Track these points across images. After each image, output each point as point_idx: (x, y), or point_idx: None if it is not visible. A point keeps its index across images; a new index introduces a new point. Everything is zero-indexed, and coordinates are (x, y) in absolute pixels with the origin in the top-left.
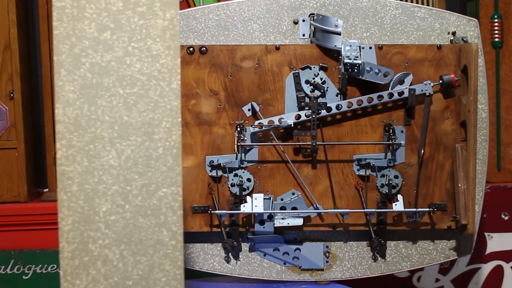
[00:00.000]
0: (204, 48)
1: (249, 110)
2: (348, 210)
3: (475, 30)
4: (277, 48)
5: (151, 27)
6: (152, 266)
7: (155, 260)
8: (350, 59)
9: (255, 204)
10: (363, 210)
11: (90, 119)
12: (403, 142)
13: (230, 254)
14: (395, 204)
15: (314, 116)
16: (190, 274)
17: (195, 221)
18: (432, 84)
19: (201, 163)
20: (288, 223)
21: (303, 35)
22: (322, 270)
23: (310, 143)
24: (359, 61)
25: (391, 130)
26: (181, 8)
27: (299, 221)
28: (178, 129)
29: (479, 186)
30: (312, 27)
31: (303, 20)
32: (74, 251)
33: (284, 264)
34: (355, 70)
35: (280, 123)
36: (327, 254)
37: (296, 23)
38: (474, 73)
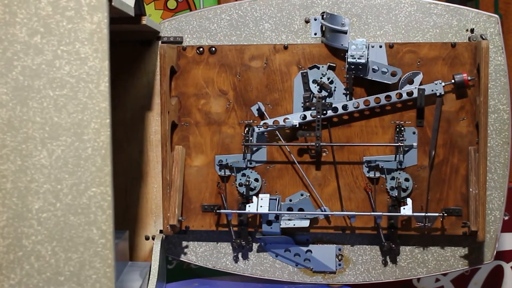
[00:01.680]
0: (213, 48)
1: (257, 110)
2: (354, 213)
3: (495, 26)
4: (285, 47)
5: (79, 31)
6: (83, 263)
7: (86, 257)
8: (354, 58)
9: (260, 204)
10: (369, 213)
11: (22, 120)
12: (415, 144)
13: (242, 253)
14: (403, 208)
15: (319, 116)
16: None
17: (205, 220)
18: (443, 84)
19: (210, 162)
20: (294, 225)
21: (315, 34)
22: (334, 273)
23: (314, 143)
24: (362, 61)
25: (401, 131)
26: (180, 8)
27: (305, 223)
28: (107, 130)
29: (500, 191)
30: (323, 26)
31: (315, 19)
32: (9, 246)
33: (296, 265)
34: (359, 70)
35: (285, 124)
36: (339, 257)
37: (307, 22)
38: (484, 72)
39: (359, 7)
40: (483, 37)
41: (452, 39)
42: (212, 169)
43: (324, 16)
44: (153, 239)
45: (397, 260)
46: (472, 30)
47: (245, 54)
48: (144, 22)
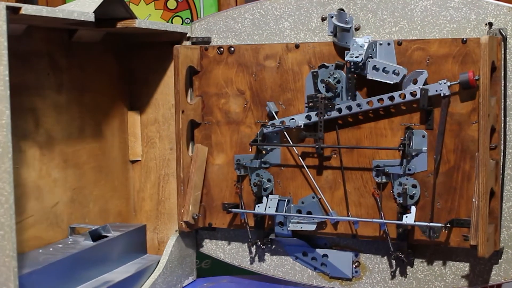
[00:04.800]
0: (232, 48)
1: (269, 110)
2: (357, 219)
3: None
4: (297, 46)
5: None
6: None
7: None
8: (351, 57)
9: (268, 205)
10: (370, 220)
11: None
12: (424, 148)
13: (262, 253)
14: (406, 216)
15: (321, 117)
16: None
17: (226, 218)
18: (449, 84)
19: (230, 161)
20: (301, 227)
21: (331, 32)
22: (350, 280)
23: (314, 145)
24: (358, 59)
25: (407, 134)
26: (180, 8)
27: (311, 227)
28: (3, 131)
29: None
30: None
31: (331, 17)
32: None
33: (315, 269)
34: (360, 69)
35: (289, 124)
36: (356, 263)
37: (324, 19)
38: (483, 70)
39: (374, 2)
40: (503, 32)
41: (471, 34)
42: (232, 168)
43: (335, 14)
44: None
45: (414, 271)
46: (490, 24)
47: (260, 54)
48: (135, 25)
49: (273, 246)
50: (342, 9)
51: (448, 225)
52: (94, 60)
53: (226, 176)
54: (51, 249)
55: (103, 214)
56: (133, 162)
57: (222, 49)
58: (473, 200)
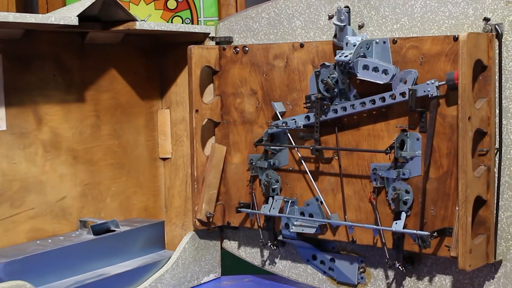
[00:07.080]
0: (246, 48)
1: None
2: (351, 223)
3: None
4: (302, 45)
5: None
6: None
7: None
8: (341, 56)
9: (273, 206)
10: (362, 225)
11: None
12: (418, 152)
13: (276, 254)
14: (395, 223)
15: (317, 118)
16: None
17: (241, 217)
18: (437, 84)
19: (245, 160)
20: (302, 230)
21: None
22: (355, 286)
23: (309, 146)
24: (346, 59)
25: (398, 136)
26: (180, 8)
27: (311, 230)
28: None
29: None
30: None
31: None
32: None
33: (324, 273)
34: (352, 69)
35: (289, 125)
36: (362, 269)
37: (331, 17)
38: (461, 70)
39: None
40: (499, 28)
41: (468, 31)
42: (247, 168)
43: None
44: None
45: (414, 280)
46: (487, 20)
47: (269, 53)
48: (136, 26)
49: (287, 248)
50: (347, 7)
51: (435, 234)
52: (114, 60)
53: (242, 176)
54: (49, 240)
55: (123, 209)
56: (164, 159)
57: (237, 49)
58: (457, 208)
